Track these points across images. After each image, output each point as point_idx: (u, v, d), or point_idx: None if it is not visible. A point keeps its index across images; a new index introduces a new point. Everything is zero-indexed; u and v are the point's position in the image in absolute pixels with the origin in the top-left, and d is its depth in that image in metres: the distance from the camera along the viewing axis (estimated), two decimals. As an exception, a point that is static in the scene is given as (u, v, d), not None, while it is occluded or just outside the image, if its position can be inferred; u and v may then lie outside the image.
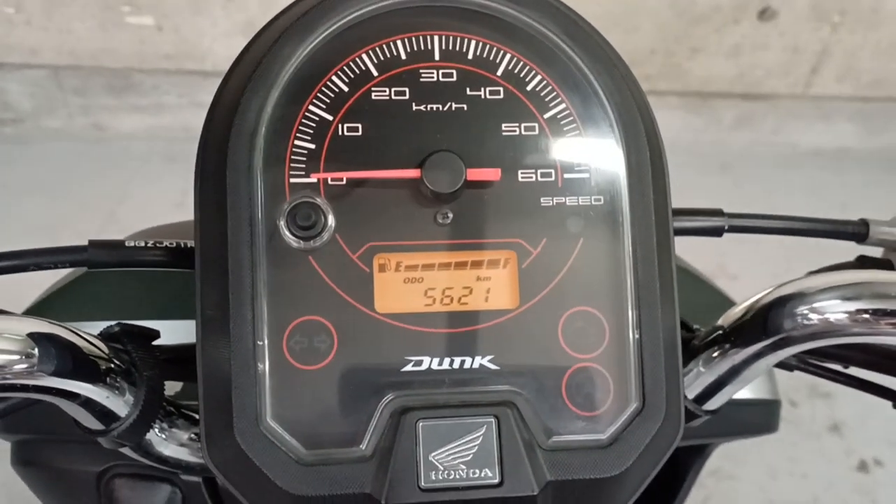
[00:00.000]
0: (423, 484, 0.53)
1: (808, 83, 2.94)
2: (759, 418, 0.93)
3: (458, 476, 0.53)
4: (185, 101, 2.74)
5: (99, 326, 0.61)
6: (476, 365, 0.56)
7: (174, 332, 0.68)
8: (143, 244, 0.61)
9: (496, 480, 0.53)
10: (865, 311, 0.57)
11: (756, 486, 2.23)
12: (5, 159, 2.69)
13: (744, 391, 0.78)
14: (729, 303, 0.98)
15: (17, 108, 2.74)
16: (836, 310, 0.58)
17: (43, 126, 2.77)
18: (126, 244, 0.61)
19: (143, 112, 2.76)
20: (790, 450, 2.28)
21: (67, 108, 2.74)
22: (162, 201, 2.56)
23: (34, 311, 0.85)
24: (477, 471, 0.53)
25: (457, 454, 0.53)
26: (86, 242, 0.61)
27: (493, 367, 0.56)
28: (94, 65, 2.65)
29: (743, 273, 2.53)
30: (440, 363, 0.55)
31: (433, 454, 0.53)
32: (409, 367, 0.55)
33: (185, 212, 2.69)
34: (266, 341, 0.54)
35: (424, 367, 0.55)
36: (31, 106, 2.74)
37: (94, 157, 2.72)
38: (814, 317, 0.58)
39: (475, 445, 0.54)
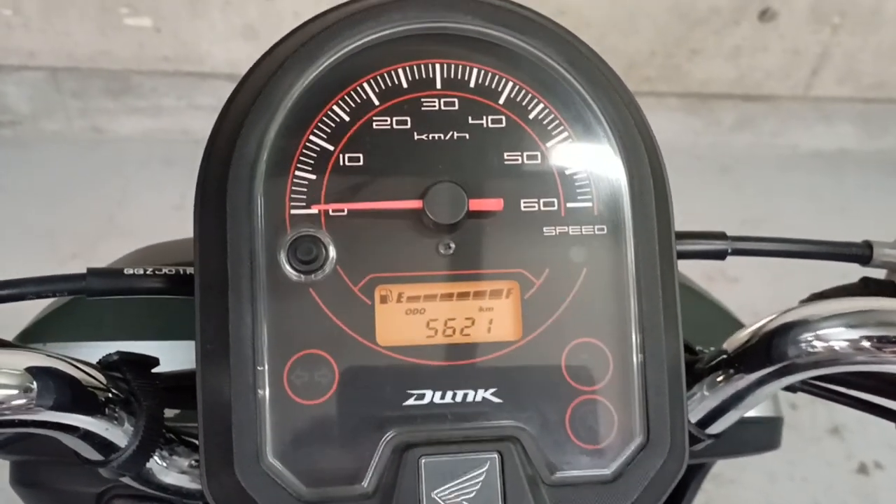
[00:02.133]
0: None
1: (809, 85, 2.93)
2: (761, 436, 0.93)
3: None
4: (183, 104, 2.73)
5: (96, 348, 0.61)
6: (479, 398, 0.55)
7: (173, 352, 0.68)
8: (141, 272, 0.61)
9: None
10: (870, 340, 0.57)
11: (756, 490, 2.23)
12: (3, 162, 2.69)
13: (746, 409, 0.77)
14: (730, 318, 0.98)
15: (15, 110, 2.73)
16: (840, 338, 0.57)
17: (41, 128, 2.77)
18: (125, 272, 0.61)
19: (142, 114, 2.76)
20: (790, 453, 2.28)
21: (65, 110, 2.73)
22: (160, 204, 2.55)
23: (31, 333, 0.85)
24: None
25: (460, 491, 0.53)
26: (81, 264, 0.60)
27: (495, 400, 0.55)
28: (93, 67, 2.64)
29: (743, 277, 2.52)
30: (442, 396, 0.55)
31: (436, 491, 0.53)
32: (410, 401, 0.55)
33: (183, 214, 2.68)
34: (266, 376, 0.53)
35: (426, 400, 0.55)
36: (29, 108, 2.73)
37: (93, 160, 2.72)
38: (818, 344, 0.58)
39: (478, 482, 0.53)
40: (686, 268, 1.03)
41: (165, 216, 2.53)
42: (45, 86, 2.67)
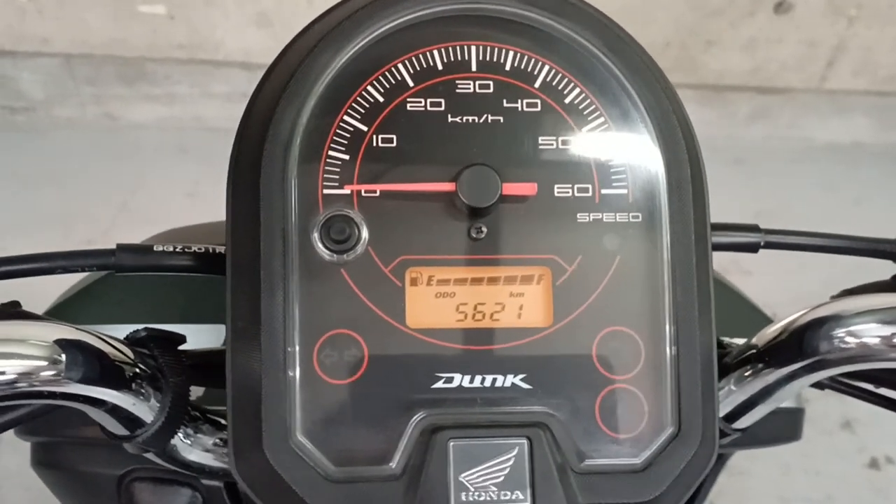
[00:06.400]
0: None
1: (824, 77, 2.91)
2: (783, 428, 0.92)
3: (488, 498, 0.52)
4: (196, 92, 2.73)
5: (124, 329, 0.61)
6: (508, 384, 0.55)
7: (198, 335, 0.68)
8: (171, 249, 0.61)
9: (528, 503, 0.52)
10: None
11: (768, 483, 2.23)
12: (17, 148, 2.69)
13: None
14: (756, 311, 0.97)
15: (30, 96, 2.73)
16: (873, 334, 0.57)
17: (55, 115, 2.76)
18: (154, 248, 0.61)
19: (155, 102, 2.75)
20: (803, 446, 2.26)
21: (79, 97, 2.73)
22: (174, 191, 2.56)
23: (58, 311, 0.85)
24: (508, 493, 0.52)
25: (488, 475, 0.53)
26: (104, 239, 0.60)
27: (525, 386, 0.55)
28: (107, 54, 2.63)
29: (756, 269, 2.51)
30: (471, 380, 0.55)
31: (464, 475, 0.53)
32: (439, 384, 0.54)
33: (197, 202, 2.67)
34: (297, 355, 0.53)
35: (455, 384, 0.55)
36: (43, 95, 2.73)
37: (106, 147, 2.71)
38: (851, 340, 0.57)
39: (507, 467, 0.53)
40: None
41: (179, 203, 2.53)
42: (59, 72, 2.67)
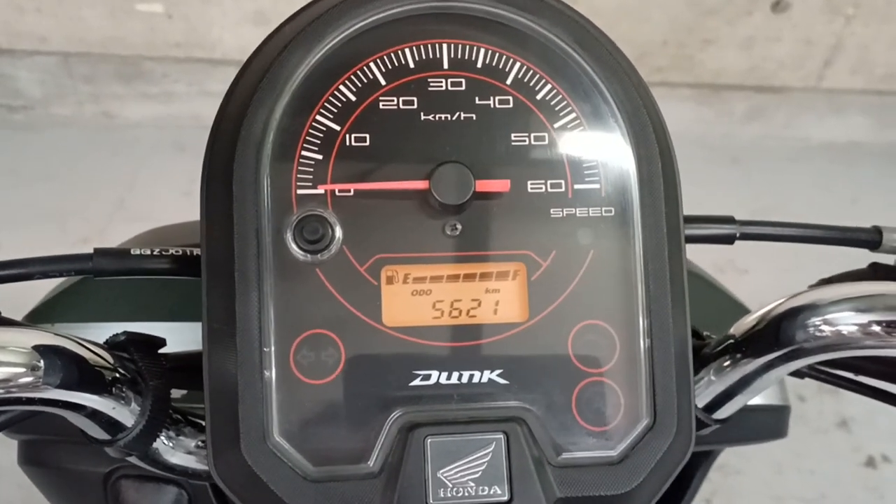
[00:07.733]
0: (431, 501, 0.52)
1: (821, 76, 2.92)
2: (768, 424, 0.92)
3: (466, 493, 0.52)
4: (194, 90, 2.73)
5: (104, 328, 0.61)
6: (485, 379, 0.55)
7: (180, 333, 0.68)
8: (148, 252, 0.61)
9: (505, 498, 0.52)
10: (879, 324, 0.56)
11: (762, 482, 2.23)
12: (15, 146, 2.70)
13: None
14: (739, 307, 0.97)
15: (27, 95, 2.74)
16: (848, 322, 0.57)
17: (52, 113, 2.77)
18: (131, 252, 0.61)
19: (153, 100, 2.76)
20: (797, 445, 2.28)
21: (77, 95, 2.74)
22: (170, 189, 2.56)
23: (39, 313, 0.85)
24: (486, 488, 0.52)
25: (466, 471, 0.53)
26: (91, 247, 0.60)
27: (501, 381, 0.55)
28: (104, 52, 2.64)
29: (753, 268, 2.51)
30: (448, 377, 0.55)
31: (442, 471, 0.53)
32: (417, 382, 0.54)
33: (193, 200, 2.68)
34: (273, 356, 0.53)
35: (432, 381, 0.55)
36: (40, 93, 2.74)
37: (103, 145, 2.72)
38: (826, 329, 0.57)
39: (484, 462, 0.53)
40: (697, 259, 1.03)
41: (175, 201, 2.54)
42: (56, 71, 2.68)
